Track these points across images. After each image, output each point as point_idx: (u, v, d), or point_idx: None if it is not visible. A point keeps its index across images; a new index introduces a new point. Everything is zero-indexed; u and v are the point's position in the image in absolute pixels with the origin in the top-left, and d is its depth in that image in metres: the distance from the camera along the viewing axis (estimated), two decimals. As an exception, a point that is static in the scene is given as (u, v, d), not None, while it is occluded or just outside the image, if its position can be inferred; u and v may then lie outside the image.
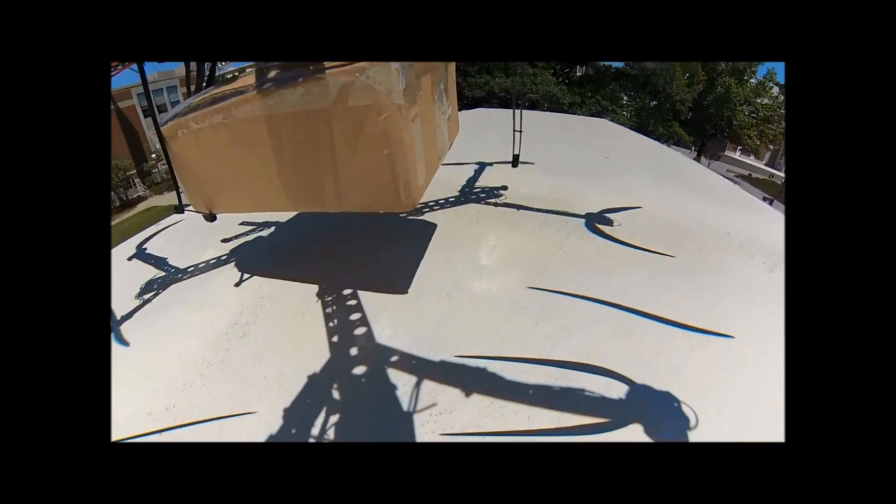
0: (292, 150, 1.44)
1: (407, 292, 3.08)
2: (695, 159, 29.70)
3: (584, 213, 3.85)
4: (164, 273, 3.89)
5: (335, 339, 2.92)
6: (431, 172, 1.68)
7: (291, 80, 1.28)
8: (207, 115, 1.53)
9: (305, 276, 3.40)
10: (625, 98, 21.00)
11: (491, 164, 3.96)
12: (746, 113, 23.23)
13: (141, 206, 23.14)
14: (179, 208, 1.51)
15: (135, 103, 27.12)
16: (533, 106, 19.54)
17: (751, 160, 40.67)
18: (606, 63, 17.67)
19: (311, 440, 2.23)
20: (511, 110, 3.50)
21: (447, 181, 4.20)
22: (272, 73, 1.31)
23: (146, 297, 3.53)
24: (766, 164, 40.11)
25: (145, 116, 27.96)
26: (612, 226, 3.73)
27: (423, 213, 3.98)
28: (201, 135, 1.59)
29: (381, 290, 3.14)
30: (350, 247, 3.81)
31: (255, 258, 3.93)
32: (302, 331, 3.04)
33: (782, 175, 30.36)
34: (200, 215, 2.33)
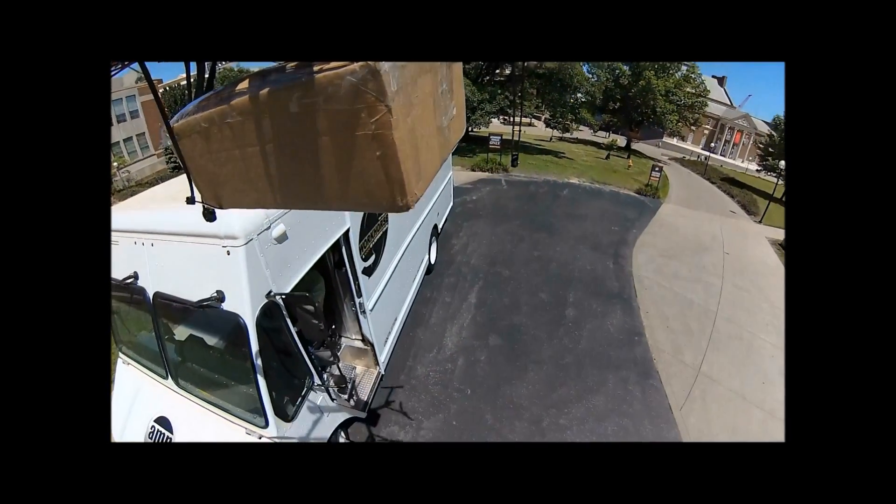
0: (291, 151, 1.50)
1: None
2: (625, 145, 32.33)
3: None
4: None
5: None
6: (431, 174, 1.68)
7: (288, 81, 1.33)
8: (213, 115, 1.60)
9: None
10: (534, 92, 23.01)
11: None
12: (668, 101, 26.52)
13: (107, 214, 23.13)
14: (191, 200, 1.82)
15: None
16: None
17: (688, 145, 44.79)
18: (521, 66, 18.52)
19: (312, 440, 2.30)
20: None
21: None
22: (272, 76, 1.37)
23: None
24: (702, 148, 44.31)
25: (121, 120, 28.13)
26: None
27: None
28: (208, 133, 1.67)
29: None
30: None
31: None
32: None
33: (708, 154, 34.32)
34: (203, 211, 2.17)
